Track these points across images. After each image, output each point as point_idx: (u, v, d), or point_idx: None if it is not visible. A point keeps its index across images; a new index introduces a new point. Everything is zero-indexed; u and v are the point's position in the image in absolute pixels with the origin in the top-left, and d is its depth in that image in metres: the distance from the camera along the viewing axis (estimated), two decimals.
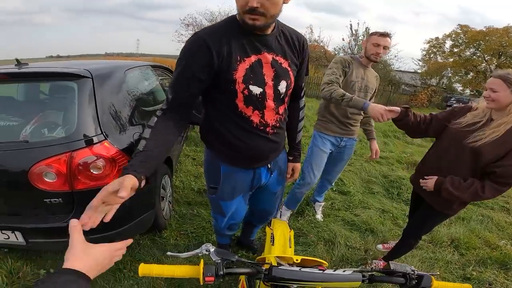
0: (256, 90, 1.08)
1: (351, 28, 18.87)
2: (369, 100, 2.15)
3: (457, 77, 25.58)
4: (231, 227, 1.65)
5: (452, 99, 20.02)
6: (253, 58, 1.04)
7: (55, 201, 1.49)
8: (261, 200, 1.55)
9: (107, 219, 0.76)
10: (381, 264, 2.07)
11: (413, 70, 25.90)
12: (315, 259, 0.93)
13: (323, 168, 2.34)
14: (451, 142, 1.52)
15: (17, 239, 1.53)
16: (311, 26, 25.20)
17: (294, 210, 2.61)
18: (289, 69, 1.14)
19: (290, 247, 1.32)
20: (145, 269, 0.68)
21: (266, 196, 1.51)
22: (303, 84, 1.36)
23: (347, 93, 1.83)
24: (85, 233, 1.62)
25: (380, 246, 2.35)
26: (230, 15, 1.11)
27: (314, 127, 2.30)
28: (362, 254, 2.28)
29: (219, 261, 0.70)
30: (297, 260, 0.90)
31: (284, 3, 0.98)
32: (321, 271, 0.74)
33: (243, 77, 1.04)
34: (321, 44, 21.56)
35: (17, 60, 1.85)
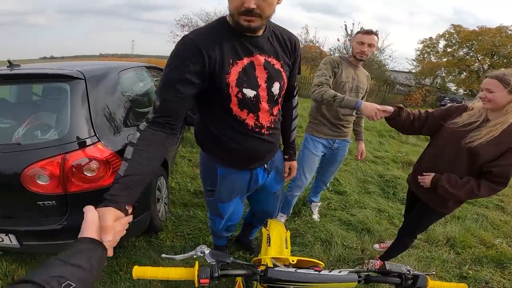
0: (250, 93, 1.06)
1: (346, 29, 18.95)
2: (361, 98, 2.15)
3: (450, 77, 25.84)
4: (229, 228, 1.64)
5: (446, 98, 20.20)
6: (245, 61, 1.03)
7: (48, 203, 1.47)
8: (261, 200, 1.54)
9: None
10: (377, 263, 2.07)
11: (407, 70, 26.13)
12: (311, 259, 0.92)
13: (315, 171, 2.34)
14: (447, 142, 1.52)
15: (11, 242, 1.52)
16: (306, 27, 25.32)
17: (289, 215, 2.60)
18: (281, 70, 1.13)
19: (287, 248, 1.31)
20: (139, 271, 0.68)
21: (265, 196, 1.50)
22: (296, 83, 1.36)
23: (338, 94, 1.81)
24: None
25: (376, 246, 2.36)
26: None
27: (306, 130, 2.27)
28: (359, 253, 2.28)
29: (214, 263, 0.69)
30: (293, 261, 0.90)
31: (277, 3, 0.97)
32: (317, 272, 0.73)
33: (237, 81, 1.02)
34: (317, 44, 21.66)
35: (9, 61, 1.83)
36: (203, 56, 0.95)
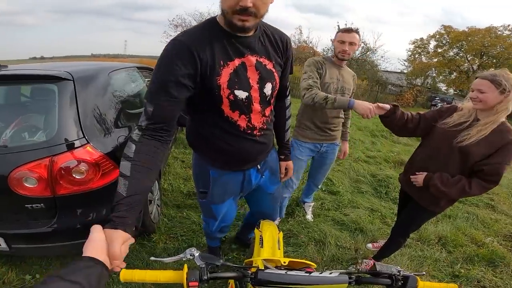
0: (241, 94, 1.05)
1: (339, 29, 19.07)
2: None
3: (441, 77, 26.27)
4: (222, 229, 1.63)
5: (436, 98, 20.51)
6: (236, 62, 1.01)
7: (36, 206, 1.44)
8: (258, 202, 1.53)
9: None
10: (371, 263, 2.08)
11: (399, 71, 26.45)
12: (303, 261, 0.92)
13: (301, 174, 2.33)
14: (439, 142, 1.54)
15: (0, 245, 1.49)
16: (300, 27, 25.39)
17: (282, 217, 2.58)
18: (273, 70, 1.11)
19: (279, 249, 1.31)
20: (127, 274, 0.66)
21: (262, 197, 1.48)
22: (288, 83, 1.35)
23: (329, 95, 1.78)
24: (73, 237, 1.57)
25: (370, 245, 2.37)
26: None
27: (292, 134, 2.20)
28: (353, 253, 2.29)
29: (203, 266, 0.69)
30: (284, 262, 0.89)
31: (270, 2, 0.95)
32: (308, 274, 0.73)
33: (228, 82, 1.00)
34: (310, 45, 21.76)
35: None
36: (194, 58, 0.93)
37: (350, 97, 2.11)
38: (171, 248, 2.16)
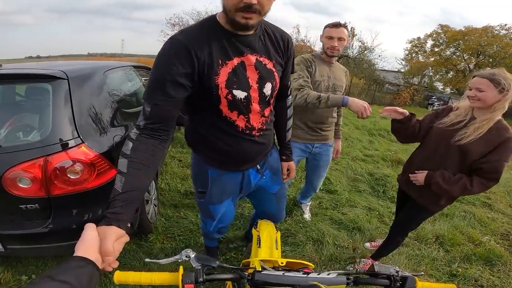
0: (240, 94, 1.03)
1: None
2: None
3: (438, 76, 26.38)
4: (220, 230, 1.61)
5: (433, 97, 20.61)
6: (235, 61, 0.99)
7: (31, 207, 1.43)
8: (262, 202, 1.51)
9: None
10: (369, 262, 2.08)
11: (396, 70, 26.54)
12: (301, 261, 0.91)
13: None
14: (437, 142, 1.55)
15: None
16: (297, 26, 25.36)
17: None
18: (274, 70, 1.09)
19: (277, 249, 1.30)
20: (121, 276, 0.65)
21: (265, 197, 1.46)
22: (289, 82, 1.33)
23: (321, 94, 1.74)
24: (69, 238, 1.56)
25: (367, 245, 2.37)
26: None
27: None
28: (351, 253, 2.28)
29: (199, 268, 0.67)
30: (282, 263, 0.88)
31: (273, 0, 0.93)
32: (306, 275, 0.72)
33: (226, 82, 0.98)
34: (308, 44, 21.74)
35: None
36: (192, 57, 0.91)
37: (343, 94, 2.06)
38: (168, 248, 2.15)
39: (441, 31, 24.83)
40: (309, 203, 2.77)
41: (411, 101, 19.82)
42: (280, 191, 1.47)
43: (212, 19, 0.99)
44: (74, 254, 0.60)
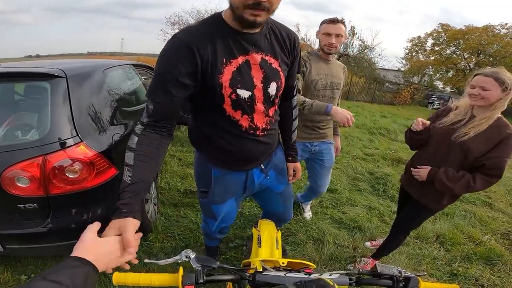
0: (244, 94, 1.01)
1: None
2: (338, 96, 2.02)
3: (438, 75, 26.37)
4: (222, 230, 1.60)
5: (433, 96, 20.60)
6: (240, 60, 0.97)
7: (29, 206, 1.42)
8: (267, 202, 1.49)
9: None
10: (370, 262, 2.07)
11: (396, 68, 26.52)
12: (302, 261, 0.90)
13: None
14: (438, 142, 1.56)
15: None
16: (297, 25, 25.23)
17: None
18: (279, 69, 1.07)
19: (278, 248, 1.29)
20: (120, 278, 0.64)
21: (270, 197, 1.44)
22: (295, 82, 1.30)
23: (307, 99, 1.70)
24: (68, 237, 1.55)
25: (368, 244, 2.36)
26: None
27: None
28: (351, 252, 2.28)
29: (199, 269, 0.66)
30: (283, 263, 0.87)
31: None
32: (307, 275, 0.71)
33: (230, 81, 0.97)
34: (308, 42, 21.69)
35: None
36: (195, 56, 0.90)
37: (340, 91, 2.02)
38: (168, 248, 2.14)
39: (441, 30, 24.82)
40: (310, 202, 2.76)
41: (411, 100, 19.80)
42: (285, 190, 1.44)
43: (217, 16, 0.97)
44: (71, 254, 0.60)
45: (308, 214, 2.68)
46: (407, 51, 27.51)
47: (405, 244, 2.37)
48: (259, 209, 2.73)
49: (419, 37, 26.85)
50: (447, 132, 1.51)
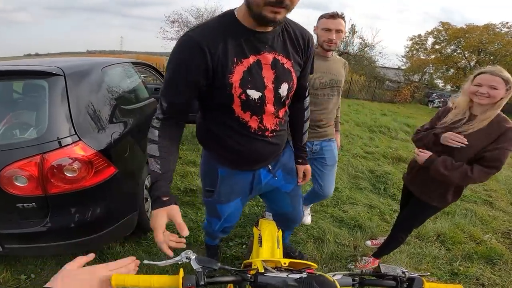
0: (254, 94, 0.98)
1: None
2: (339, 93, 1.93)
3: (438, 74, 26.33)
4: (225, 230, 1.58)
5: (433, 94, 20.58)
6: (251, 59, 0.95)
7: (28, 205, 1.41)
8: (276, 202, 1.46)
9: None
10: (371, 261, 2.07)
11: (397, 67, 26.48)
12: (304, 261, 0.89)
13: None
14: (439, 140, 1.55)
15: None
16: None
17: None
18: (291, 70, 1.05)
19: (279, 248, 1.28)
20: (119, 279, 0.62)
21: (279, 197, 1.41)
22: (308, 83, 1.27)
23: None
24: (67, 237, 1.55)
25: (368, 243, 2.35)
26: (216, 11, 1.03)
27: None
28: (352, 251, 2.27)
29: (200, 270, 0.65)
30: (285, 263, 0.86)
31: None
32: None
33: (240, 81, 0.95)
34: None
35: None
36: (205, 54, 0.89)
37: (341, 88, 1.95)
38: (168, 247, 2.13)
39: (442, 28, 24.73)
40: (310, 206, 2.65)
41: (412, 98, 19.79)
42: (294, 190, 1.41)
43: (229, 14, 0.95)
44: (45, 285, 0.56)
45: (308, 218, 2.55)
46: (407, 49, 27.47)
47: (406, 243, 2.36)
48: (259, 207, 2.72)
49: (419, 35, 26.78)
50: (448, 131, 1.52)
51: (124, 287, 0.61)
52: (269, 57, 0.98)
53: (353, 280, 0.73)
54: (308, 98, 1.32)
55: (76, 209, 1.49)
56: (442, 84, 26.87)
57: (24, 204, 1.40)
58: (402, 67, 26.65)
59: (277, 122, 1.12)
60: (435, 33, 25.21)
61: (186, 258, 0.68)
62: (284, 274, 0.71)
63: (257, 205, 2.73)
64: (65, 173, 1.36)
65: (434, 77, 26.90)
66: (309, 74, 1.23)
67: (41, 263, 1.86)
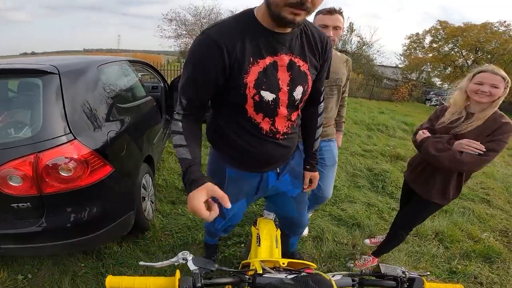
0: (268, 96, 0.97)
1: None
2: (339, 92, 1.89)
3: (436, 72, 26.38)
4: (227, 229, 1.57)
5: (431, 93, 20.64)
6: (267, 60, 0.94)
7: (23, 205, 1.39)
8: (280, 205, 1.44)
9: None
10: (370, 259, 2.06)
11: (394, 65, 26.52)
12: (303, 261, 0.88)
13: None
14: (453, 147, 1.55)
15: None
16: None
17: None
18: (307, 73, 1.03)
19: (277, 247, 1.27)
20: (113, 281, 0.61)
21: (284, 201, 1.39)
22: (323, 88, 1.23)
23: None
24: (63, 237, 1.52)
25: (367, 241, 2.35)
26: (214, 10, 1.02)
27: None
28: (350, 249, 2.27)
29: (197, 272, 0.64)
30: (283, 263, 0.85)
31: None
32: None
33: (255, 82, 0.94)
34: None
35: None
36: (223, 53, 0.89)
37: (345, 85, 1.91)
38: (166, 246, 2.12)
39: (439, 27, 24.74)
40: (311, 212, 2.56)
41: (409, 97, 19.82)
42: (300, 195, 1.39)
43: (248, 13, 0.94)
44: None
45: (305, 229, 2.37)
46: (405, 48, 27.47)
47: (404, 242, 2.35)
48: (258, 206, 2.71)
49: (417, 34, 26.76)
50: (448, 130, 1.54)
51: None
52: (285, 58, 0.96)
53: (353, 280, 0.72)
54: (322, 104, 1.29)
55: (72, 209, 1.47)
56: (440, 83, 26.94)
57: (19, 204, 1.38)
58: (400, 66, 26.70)
59: (289, 125, 1.11)
60: (433, 31, 25.21)
61: (183, 259, 0.67)
62: (282, 275, 0.70)
63: (256, 204, 2.72)
64: (60, 172, 1.34)
65: (432, 75, 26.95)
66: (325, 79, 1.20)
67: (38, 263, 1.84)
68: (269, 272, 0.73)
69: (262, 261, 0.85)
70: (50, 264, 1.85)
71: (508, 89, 1.41)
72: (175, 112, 1.03)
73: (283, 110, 1.04)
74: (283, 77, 0.98)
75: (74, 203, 1.47)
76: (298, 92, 1.03)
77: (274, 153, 1.13)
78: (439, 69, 25.92)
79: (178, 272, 0.63)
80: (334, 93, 1.87)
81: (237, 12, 0.98)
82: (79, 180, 1.39)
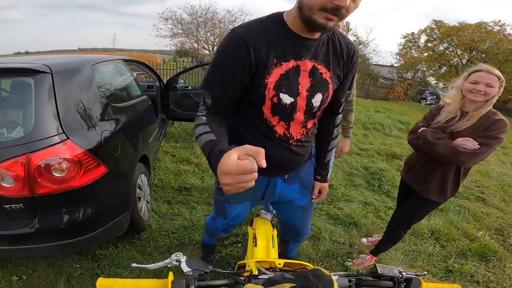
0: (286, 99, 0.97)
1: None
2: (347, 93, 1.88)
3: (431, 71, 26.51)
4: (227, 229, 1.56)
5: (426, 92, 20.73)
6: (290, 64, 0.94)
7: (15, 206, 1.37)
8: (287, 213, 1.43)
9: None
10: (368, 258, 2.06)
11: (390, 64, 26.62)
12: (300, 262, 0.87)
13: None
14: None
15: None
16: None
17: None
18: (329, 81, 1.01)
19: (274, 247, 1.26)
20: (104, 284, 0.60)
21: (290, 209, 1.38)
22: (343, 100, 1.21)
23: None
24: (57, 238, 1.49)
25: (364, 240, 2.35)
26: (210, 9, 1.00)
27: None
28: (347, 248, 2.27)
29: (190, 273, 0.62)
30: (279, 264, 0.84)
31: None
32: None
33: (275, 83, 0.94)
34: None
35: None
36: (250, 52, 0.89)
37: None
38: (162, 246, 2.10)
39: (435, 26, 24.87)
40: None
41: (405, 96, 19.91)
42: (307, 205, 1.38)
43: (277, 16, 0.94)
44: None
45: None
46: (401, 47, 27.58)
47: (401, 241, 2.36)
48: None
49: (412, 33, 26.86)
50: (443, 129, 1.55)
51: None
52: (308, 64, 0.95)
53: (350, 281, 0.71)
54: (340, 116, 1.28)
55: (65, 209, 1.45)
56: (435, 82, 27.07)
57: (12, 205, 1.35)
58: (396, 65, 26.79)
59: (304, 133, 1.09)
60: (428, 31, 25.33)
61: (176, 261, 0.65)
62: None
63: None
64: (53, 173, 1.32)
65: (427, 74, 27.07)
66: (346, 89, 1.18)
67: (33, 264, 1.82)
68: (265, 273, 0.72)
69: (258, 261, 0.84)
70: (45, 265, 1.83)
71: (503, 88, 1.43)
72: (199, 111, 1.00)
73: (299, 116, 1.02)
74: (304, 82, 0.97)
75: (67, 204, 1.45)
76: (317, 99, 1.02)
77: (284, 159, 1.11)
78: (434, 68, 26.05)
79: (171, 274, 0.62)
80: None
81: (265, 15, 0.98)
82: (72, 180, 1.37)
